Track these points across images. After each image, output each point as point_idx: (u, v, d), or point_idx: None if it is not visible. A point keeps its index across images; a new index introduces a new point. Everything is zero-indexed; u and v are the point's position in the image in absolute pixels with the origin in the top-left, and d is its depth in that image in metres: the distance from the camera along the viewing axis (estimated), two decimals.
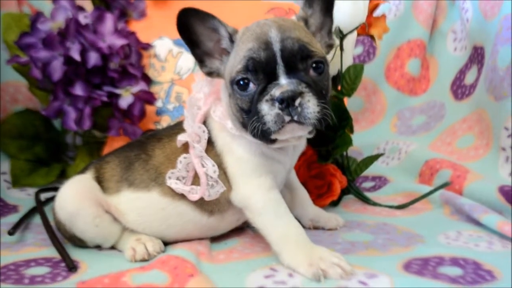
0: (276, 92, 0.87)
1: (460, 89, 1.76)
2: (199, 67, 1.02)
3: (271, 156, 1.01)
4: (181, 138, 1.03)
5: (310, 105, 0.86)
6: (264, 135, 0.90)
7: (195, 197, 1.01)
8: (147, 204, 1.05)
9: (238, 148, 1.00)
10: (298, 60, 0.89)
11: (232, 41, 0.98)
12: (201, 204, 1.03)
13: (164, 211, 1.04)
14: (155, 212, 1.05)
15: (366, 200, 1.42)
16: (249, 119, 0.91)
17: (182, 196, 1.03)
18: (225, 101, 1.01)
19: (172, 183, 1.02)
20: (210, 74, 1.01)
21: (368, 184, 1.65)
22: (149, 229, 1.06)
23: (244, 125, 0.95)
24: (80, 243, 1.08)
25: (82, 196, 1.04)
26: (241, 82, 0.91)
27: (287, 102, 0.85)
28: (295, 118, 0.86)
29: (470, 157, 1.51)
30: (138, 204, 1.06)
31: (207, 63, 1.01)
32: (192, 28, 0.97)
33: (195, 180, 1.03)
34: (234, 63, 0.94)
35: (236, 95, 0.93)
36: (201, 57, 1.01)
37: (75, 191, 1.06)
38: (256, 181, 0.99)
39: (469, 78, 1.73)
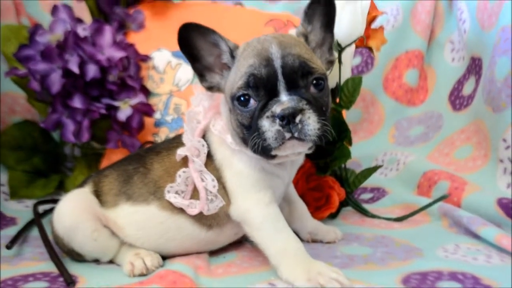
0: (277, 108, 0.87)
1: (458, 100, 1.76)
2: (199, 82, 1.03)
3: (270, 171, 1.01)
4: (180, 152, 1.03)
5: (311, 122, 0.87)
6: (264, 151, 0.90)
7: (194, 211, 1.01)
8: (146, 218, 1.05)
9: (238, 162, 1.00)
10: (299, 76, 0.90)
11: (233, 56, 0.98)
12: (199, 218, 1.03)
13: (162, 225, 1.04)
14: (154, 226, 1.05)
15: (365, 212, 1.42)
16: (249, 135, 0.91)
17: (181, 210, 1.03)
18: (225, 116, 1.01)
19: (171, 197, 1.02)
20: (210, 88, 1.02)
21: (366, 196, 1.64)
22: (148, 243, 1.06)
23: (244, 141, 0.95)
24: (78, 257, 1.07)
25: (80, 210, 1.04)
26: (242, 98, 0.92)
27: (288, 119, 0.86)
28: (296, 134, 0.86)
29: (468, 168, 1.51)
30: (136, 218, 1.05)
31: (207, 77, 1.01)
32: (193, 42, 0.97)
33: (194, 194, 1.02)
34: (235, 79, 0.94)
35: (236, 111, 0.94)
36: (201, 71, 1.01)
37: (73, 205, 1.06)
38: (255, 196, 0.99)
39: (467, 89, 1.73)
